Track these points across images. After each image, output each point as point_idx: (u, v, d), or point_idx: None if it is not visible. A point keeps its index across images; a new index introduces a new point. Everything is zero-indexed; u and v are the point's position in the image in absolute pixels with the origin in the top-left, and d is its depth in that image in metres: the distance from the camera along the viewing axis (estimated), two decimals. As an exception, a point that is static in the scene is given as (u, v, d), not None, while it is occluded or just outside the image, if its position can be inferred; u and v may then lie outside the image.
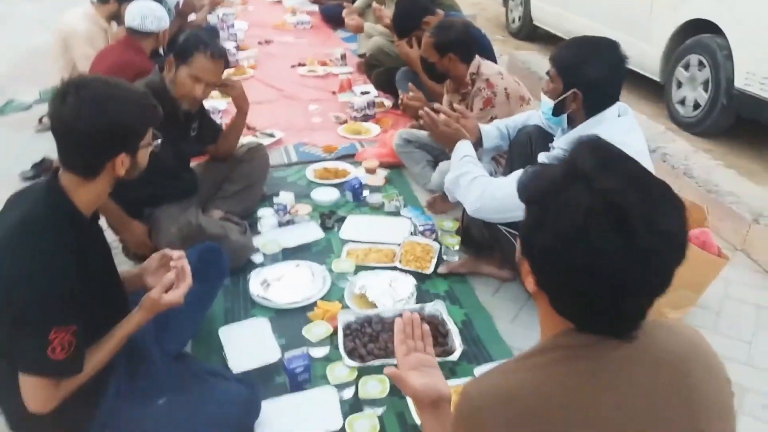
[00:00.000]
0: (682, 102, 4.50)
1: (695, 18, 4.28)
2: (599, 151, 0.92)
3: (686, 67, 4.41)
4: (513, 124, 2.47)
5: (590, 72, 1.92)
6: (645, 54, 4.79)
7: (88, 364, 1.58)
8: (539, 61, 4.96)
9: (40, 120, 4.02)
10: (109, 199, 2.23)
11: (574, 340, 0.92)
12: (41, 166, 3.36)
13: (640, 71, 4.94)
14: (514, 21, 7.17)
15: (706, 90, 4.22)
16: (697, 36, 4.29)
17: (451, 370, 1.99)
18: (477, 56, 2.87)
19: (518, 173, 1.99)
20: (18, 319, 1.46)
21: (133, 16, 3.19)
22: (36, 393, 1.53)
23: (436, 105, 2.40)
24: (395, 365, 1.75)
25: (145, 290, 1.76)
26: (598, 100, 1.96)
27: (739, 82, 3.92)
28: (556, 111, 2.04)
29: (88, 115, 1.46)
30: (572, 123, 2.05)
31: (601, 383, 0.88)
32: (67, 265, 1.48)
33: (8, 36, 6.07)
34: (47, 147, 3.63)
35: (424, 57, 2.93)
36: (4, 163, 3.53)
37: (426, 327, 1.36)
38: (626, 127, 1.98)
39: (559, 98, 2.00)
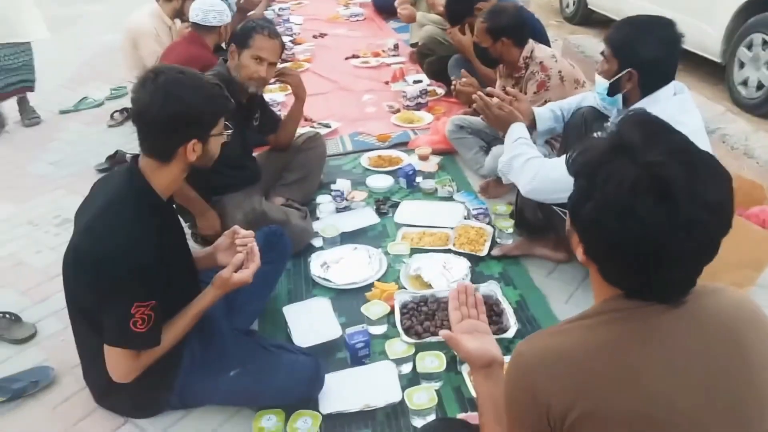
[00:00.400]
0: (745, 83, 4.36)
1: (760, -6, 4.15)
2: (645, 124, 0.95)
3: (749, 46, 4.26)
4: (567, 106, 2.48)
5: (645, 51, 1.92)
6: (705, 34, 4.65)
7: (165, 337, 1.72)
8: (594, 44, 4.88)
9: (112, 115, 4.26)
10: (189, 187, 2.38)
11: (623, 304, 0.96)
12: (114, 159, 3.56)
13: (701, 53, 4.79)
14: (568, 5, 7.06)
15: (769, 69, 4.10)
16: (761, 14, 4.15)
17: (506, 348, 2.04)
18: (530, 40, 2.88)
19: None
20: (104, 294, 1.60)
21: (196, 12, 3.35)
22: (119, 364, 1.68)
23: (489, 89, 2.43)
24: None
25: (215, 269, 1.88)
26: (653, 80, 1.95)
27: (807, 60, 3.79)
28: (612, 91, 2.04)
29: (162, 102, 1.59)
30: (627, 103, 2.05)
31: (650, 344, 0.92)
32: (148, 244, 1.61)
33: (79, 36, 6.41)
34: (119, 141, 3.89)
35: (477, 42, 2.97)
36: (81, 156, 3.77)
37: (479, 295, 1.41)
38: (682, 106, 1.97)
39: (614, 78, 2.00)
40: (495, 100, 2.28)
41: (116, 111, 4.30)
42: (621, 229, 0.89)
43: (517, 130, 2.24)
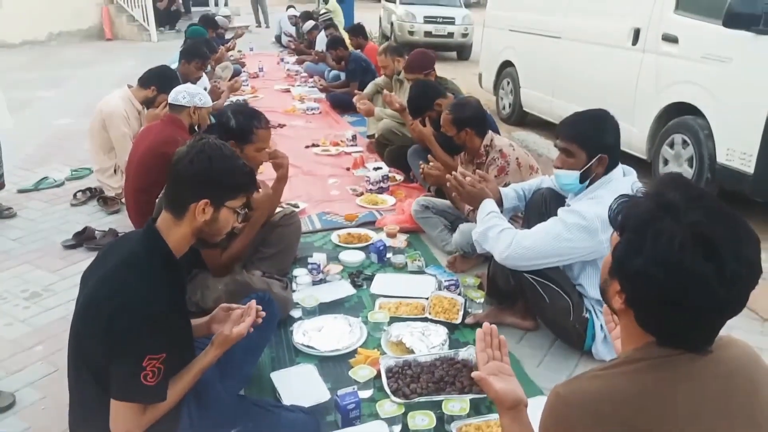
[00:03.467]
0: (669, 178, 4.83)
1: (677, 101, 4.71)
2: (684, 186, 1.05)
3: (671, 145, 4.75)
4: (528, 187, 2.77)
5: (607, 137, 2.25)
6: (631, 135, 5.16)
7: (170, 394, 1.75)
8: (535, 139, 5.35)
9: (75, 195, 4.28)
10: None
11: (656, 352, 1.04)
12: (83, 235, 3.56)
13: (628, 150, 5.30)
14: (504, 108, 7.63)
15: (691, 166, 4.55)
16: (680, 117, 4.68)
17: (487, 408, 2.16)
18: (489, 131, 3.20)
19: (541, 226, 2.29)
20: (116, 346, 1.63)
21: (172, 94, 3.54)
22: (126, 419, 1.68)
23: (461, 170, 2.69)
24: (439, 401, 1.93)
25: (205, 338, 1.94)
26: (613, 161, 2.26)
27: (721, 158, 4.25)
28: (583, 178, 2.32)
29: (193, 157, 1.74)
30: (589, 184, 2.34)
31: (680, 391, 1.00)
32: (162, 296, 1.67)
33: (33, 120, 6.41)
34: (84, 219, 3.91)
35: (442, 131, 3.27)
36: (45, 233, 3.75)
37: (503, 338, 1.49)
38: (630, 187, 2.27)
39: (586, 166, 2.28)
40: (468, 178, 2.53)
41: (79, 191, 4.32)
42: (670, 283, 0.97)
43: (489, 205, 2.48)
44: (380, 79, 5.67)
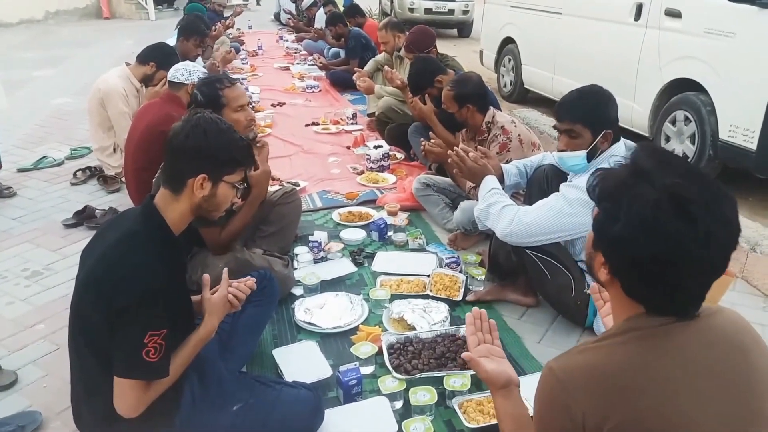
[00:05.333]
0: (671, 155, 4.81)
1: (679, 77, 4.67)
2: (656, 153, 1.09)
3: (673, 122, 4.73)
4: (530, 163, 2.75)
5: (610, 111, 2.22)
6: (633, 111, 5.14)
7: (172, 369, 1.75)
8: (536, 116, 5.32)
9: (75, 174, 4.26)
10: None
11: (645, 322, 1.05)
12: (83, 214, 3.55)
13: (629, 128, 5.28)
14: (506, 85, 7.59)
15: (693, 143, 4.53)
16: (682, 93, 4.64)
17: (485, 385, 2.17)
18: (491, 107, 3.18)
19: (543, 202, 2.28)
20: (117, 323, 1.63)
21: (171, 72, 3.51)
22: (129, 396, 1.68)
23: (463, 146, 2.67)
24: (440, 377, 1.95)
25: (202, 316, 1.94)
26: (616, 135, 2.24)
27: (723, 135, 4.23)
28: (590, 157, 2.29)
29: (189, 131, 1.73)
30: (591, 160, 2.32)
31: (672, 360, 1.01)
32: (162, 271, 1.65)
33: (30, 99, 6.37)
34: (84, 198, 3.89)
35: (443, 108, 3.24)
36: (44, 212, 3.74)
37: (493, 321, 1.52)
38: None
39: (593, 143, 2.26)
40: (471, 154, 2.52)
41: (79, 170, 4.30)
42: (647, 244, 0.99)
43: (491, 181, 2.47)
44: (381, 56, 5.61)
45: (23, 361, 2.36)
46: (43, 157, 4.61)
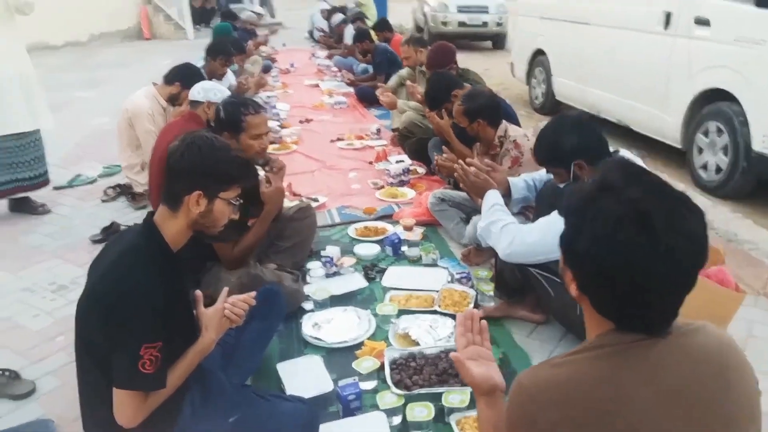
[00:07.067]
0: (705, 167, 4.66)
1: (710, 88, 4.54)
2: (625, 167, 1.08)
3: (705, 133, 4.62)
4: (539, 177, 2.72)
5: (566, 143, 2.21)
6: (664, 123, 5.04)
7: (169, 380, 1.79)
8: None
9: (105, 191, 4.42)
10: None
11: (615, 338, 1.03)
12: (110, 230, 3.68)
13: (662, 139, 5.17)
14: (537, 98, 7.54)
15: (726, 154, 4.41)
16: (714, 104, 4.53)
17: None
18: (504, 121, 3.16)
19: (544, 220, 2.26)
20: (115, 335, 1.69)
21: (191, 91, 3.62)
22: (127, 406, 1.73)
23: (469, 159, 2.66)
24: (440, 393, 1.92)
25: None
26: (596, 157, 2.19)
27: (757, 146, 4.10)
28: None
29: (185, 149, 1.78)
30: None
31: (641, 377, 0.99)
32: (157, 288, 1.70)
33: (70, 120, 6.64)
34: (113, 215, 4.03)
35: (455, 123, 3.24)
36: (75, 229, 3.89)
37: (484, 323, 1.46)
38: None
39: (571, 177, 2.27)
40: (473, 169, 2.51)
41: (109, 187, 4.46)
42: (609, 260, 0.98)
43: (493, 196, 2.45)
44: (404, 71, 5.65)
45: (42, 372, 2.45)
46: (78, 175, 4.80)
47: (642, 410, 0.97)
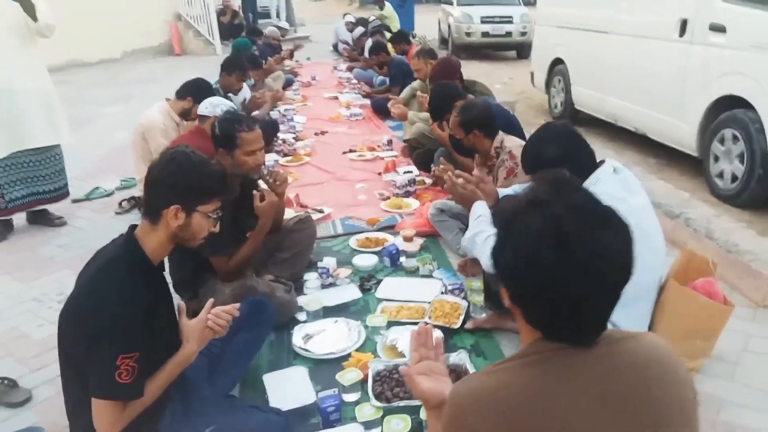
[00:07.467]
0: (720, 175, 4.56)
1: (726, 95, 4.44)
2: (557, 182, 1.09)
3: (721, 141, 4.51)
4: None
5: (548, 153, 2.19)
6: (681, 131, 4.95)
7: (148, 390, 1.83)
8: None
9: (120, 204, 4.55)
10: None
11: (543, 347, 1.05)
12: (119, 241, 3.78)
13: (678, 147, 5.08)
14: (556, 106, 7.49)
15: (742, 162, 4.31)
16: (730, 111, 4.43)
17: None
18: (500, 132, 3.15)
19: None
20: (92, 345, 1.73)
21: (200, 106, 3.71)
22: (106, 415, 1.77)
23: (458, 171, 2.65)
24: (418, 406, 1.92)
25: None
26: (580, 167, 2.17)
27: (774, 153, 4.02)
28: None
29: (164, 164, 1.83)
30: None
31: (565, 385, 1.01)
32: (134, 301, 1.75)
33: (96, 134, 6.86)
34: (125, 227, 4.11)
35: (451, 134, 3.25)
36: (87, 241, 4.00)
37: (438, 339, 1.49)
38: (625, 185, 2.18)
39: None
40: (460, 180, 2.51)
41: (124, 200, 4.58)
42: (530, 273, 1.00)
43: (479, 208, 2.44)
44: (416, 83, 5.68)
45: (40, 380, 2.54)
46: (96, 188, 4.94)
47: (567, 416, 0.99)
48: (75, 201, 4.73)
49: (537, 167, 2.28)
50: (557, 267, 0.98)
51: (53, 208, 4.37)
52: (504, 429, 1.01)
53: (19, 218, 4.28)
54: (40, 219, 4.31)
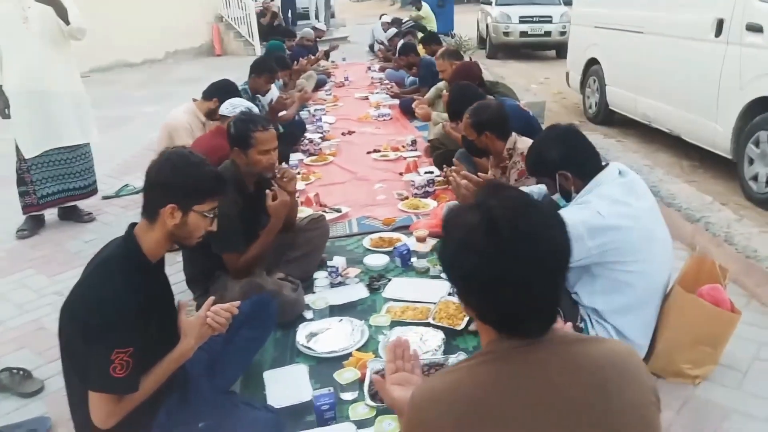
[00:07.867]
0: (755, 178, 4.43)
1: (762, 96, 4.30)
2: (498, 187, 1.15)
3: (756, 143, 4.39)
4: (538, 191, 2.65)
5: (551, 154, 2.17)
6: (715, 133, 4.81)
7: (143, 385, 1.87)
8: (597, 139, 5.08)
9: (146, 200, 4.66)
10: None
11: (498, 345, 1.08)
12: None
13: (712, 149, 4.93)
14: (591, 107, 7.37)
15: (777, 165, 4.18)
16: (766, 113, 4.30)
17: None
18: (513, 133, 3.11)
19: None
20: (88, 340, 1.79)
21: (222, 107, 3.79)
22: (101, 408, 1.82)
23: (463, 172, 2.64)
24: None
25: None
26: (583, 169, 2.15)
27: (809, 157, 3.87)
28: (565, 197, 2.26)
29: (160, 165, 1.88)
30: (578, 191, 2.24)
31: (517, 382, 1.03)
32: (130, 297, 1.79)
33: (131, 133, 7.06)
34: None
35: (464, 135, 3.22)
36: (112, 236, 4.05)
37: (416, 352, 1.51)
38: (629, 188, 2.12)
39: (558, 188, 2.23)
40: (464, 181, 2.50)
41: (151, 196, 4.69)
42: (468, 263, 1.04)
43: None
44: (441, 83, 5.64)
45: (54, 371, 2.62)
46: (125, 185, 5.09)
47: (518, 414, 1.00)
48: (105, 198, 4.88)
49: (539, 168, 2.27)
50: (491, 252, 1.01)
51: (83, 204, 4.53)
52: (460, 427, 1.02)
53: (50, 214, 4.45)
54: (71, 215, 4.47)
